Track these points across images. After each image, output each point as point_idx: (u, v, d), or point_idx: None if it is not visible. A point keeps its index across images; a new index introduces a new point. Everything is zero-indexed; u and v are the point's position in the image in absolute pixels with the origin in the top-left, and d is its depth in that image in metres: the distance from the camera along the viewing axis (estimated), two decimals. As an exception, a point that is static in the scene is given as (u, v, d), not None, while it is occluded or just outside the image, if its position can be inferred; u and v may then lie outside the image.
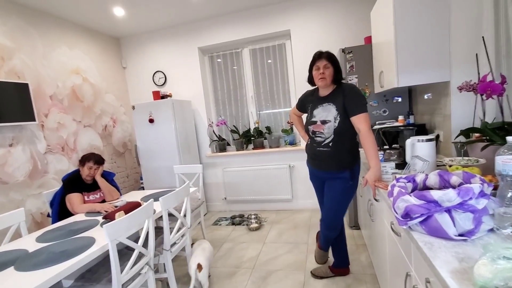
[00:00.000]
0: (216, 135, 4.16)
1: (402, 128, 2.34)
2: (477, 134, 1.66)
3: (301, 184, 3.86)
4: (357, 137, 1.88)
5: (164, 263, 2.07)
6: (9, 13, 2.79)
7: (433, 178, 1.23)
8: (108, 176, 2.59)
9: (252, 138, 3.99)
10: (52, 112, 3.11)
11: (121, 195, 2.66)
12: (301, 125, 2.31)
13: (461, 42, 1.92)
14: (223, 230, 3.47)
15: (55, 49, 3.25)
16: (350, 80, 2.97)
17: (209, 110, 4.21)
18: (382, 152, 1.92)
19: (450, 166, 1.52)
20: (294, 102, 3.91)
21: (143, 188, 3.94)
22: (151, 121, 3.62)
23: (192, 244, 2.43)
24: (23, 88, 2.71)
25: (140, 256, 1.75)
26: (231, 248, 2.98)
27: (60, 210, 2.35)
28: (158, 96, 3.79)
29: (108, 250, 1.48)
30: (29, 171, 2.83)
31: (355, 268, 2.38)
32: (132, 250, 1.67)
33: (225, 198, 4.14)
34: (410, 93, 2.87)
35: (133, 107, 3.68)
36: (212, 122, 4.18)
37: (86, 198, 2.40)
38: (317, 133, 1.92)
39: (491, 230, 0.96)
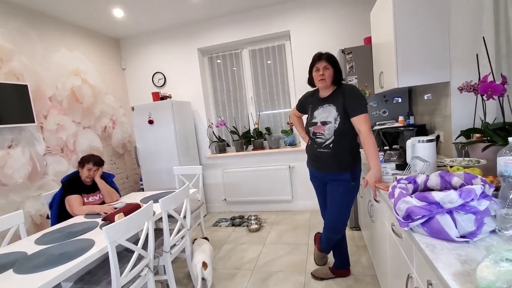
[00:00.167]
0: (216, 136, 4.16)
1: (402, 128, 2.33)
2: (477, 135, 1.65)
3: (301, 185, 3.86)
4: (357, 138, 1.87)
5: (164, 265, 2.06)
6: (8, 15, 2.79)
7: (434, 179, 1.23)
8: (107, 178, 2.58)
9: (252, 139, 3.99)
10: (51, 114, 3.11)
11: (120, 196, 2.65)
12: (301, 126, 2.30)
13: (461, 43, 1.91)
14: (223, 231, 3.47)
15: (54, 51, 3.25)
16: (350, 81, 2.97)
17: (208, 111, 4.21)
18: (382, 153, 1.92)
19: (451, 167, 1.51)
20: (293, 103, 3.90)
21: (142, 190, 3.93)
22: (151, 122, 3.61)
23: (193, 241, 2.43)
24: (22, 90, 2.70)
25: (140, 258, 1.74)
26: (231, 249, 2.97)
27: (59, 212, 2.34)
28: (157, 97, 3.78)
29: (107, 252, 1.47)
30: (28, 173, 2.82)
31: (356, 269, 2.37)
32: (132, 252, 1.67)
33: (225, 199, 4.13)
34: (410, 93, 2.86)
35: (133, 108, 3.67)
36: (212, 123, 4.18)
37: (85, 200, 2.39)
38: (317, 134, 1.91)
39: (493, 231, 0.95)
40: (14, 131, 2.73)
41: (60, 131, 3.19)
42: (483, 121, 1.67)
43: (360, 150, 1.97)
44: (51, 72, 3.15)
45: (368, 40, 2.97)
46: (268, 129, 3.96)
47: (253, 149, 3.97)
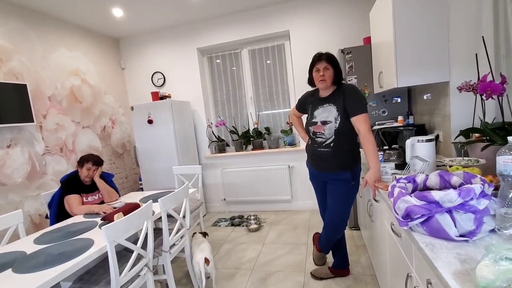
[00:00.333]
0: (215, 136, 4.15)
1: (401, 128, 2.34)
2: (477, 134, 1.65)
3: (300, 185, 3.86)
4: (357, 138, 1.87)
5: (163, 265, 2.06)
6: (8, 14, 2.79)
7: (433, 179, 1.23)
8: (107, 177, 2.58)
9: (251, 139, 3.98)
10: (50, 113, 3.10)
11: (120, 196, 2.64)
12: (300, 125, 2.30)
13: (460, 42, 1.92)
14: (223, 231, 3.46)
15: (54, 50, 3.24)
16: (349, 81, 2.97)
17: (208, 111, 4.21)
18: (381, 153, 1.92)
19: (450, 166, 1.51)
20: (293, 102, 3.90)
21: (142, 189, 3.93)
22: (150, 122, 3.61)
23: (192, 235, 2.43)
24: (21, 89, 2.70)
25: (139, 257, 1.74)
26: (230, 249, 2.97)
27: (58, 211, 2.34)
28: (157, 97, 3.78)
29: (106, 252, 1.47)
30: (27, 173, 2.81)
31: (355, 269, 2.37)
32: (131, 251, 1.67)
33: (224, 199, 4.13)
34: (409, 93, 2.87)
35: (132, 108, 3.67)
36: (211, 123, 4.18)
37: (84, 200, 2.38)
38: (317, 133, 1.91)
39: (493, 230, 0.96)
40: (13, 130, 2.72)
41: (59, 131, 3.19)
42: (482, 121, 1.67)
43: (360, 149, 1.97)
44: (50, 71, 3.15)
45: (367, 40, 2.98)
46: (267, 129, 3.96)
47: (252, 149, 3.97)
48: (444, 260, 0.83)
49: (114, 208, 2.17)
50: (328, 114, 1.87)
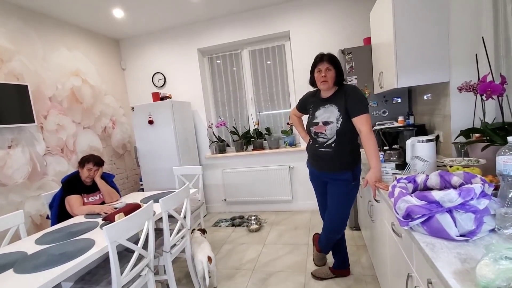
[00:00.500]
0: (216, 136, 4.16)
1: (402, 128, 2.34)
2: (477, 135, 1.66)
3: (301, 185, 3.86)
4: (358, 138, 1.88)
5: (164, 265, 2.06)
6: (8, 15, 2.79)
7: (434, 179, 1.23)
8: (107, 178, 2.59)
9: (251, 139, 3.99)
10: (51, 114, 3.11)
11: (120, 196, 2.65)
12: (301, 126, 2.30)
13: (460, 43, 1.92)
14: (223, 232, 3.47)
15: (54, 51, 3.25)
16: (349, 81, 2.97)
17: (208, 111, 4.21)
18: (382, 153, 1.92)
19: (450, 166, 1.51)
20: (293, 103, 3.91)
21: (142, 190, 3.94)
22: (151, 122, 3.62)
23: (192, 231, 2.44)
24: (22, 90, 2.70)
25: (140, 258, 1.74)
26: (231, 249, 2.97)
27: (59, 212, 2.34)
28: (157, 97, 3.79)
29: (107, 252, 1.48)
30: (28, 173, 2.82)
31: (356, 269, 2.38)
32: (132, 252, 1.67)
33: (225, 200, 4.13)
34: (410, 93, 2.87)
35: (133, 109, 3.68)
36: (212, 124, 4.18)
37: (85, 200, 2.39)
38: (319, 134, 1.92)
39: (493, 230, 0.96)
40: (14, 131, 2.73)
41: (60, 131, 3.19)
42: (483, 121, 1.67)
43: (360, 150, 1.97)
44: (51, 72, 3.16)
45: (367, 41, 2.98)
46: (268, 129, 3.96)
47: (253, 149, 3.97)
48: (445, 260, 0.83)
49: (115, 208, 2.17)
50: (329, 114, 1.87)
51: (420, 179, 1.28)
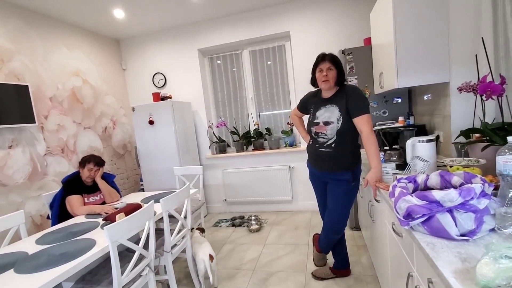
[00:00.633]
0: (216, 137, 4.16)
1: (402, 129, 2.34)
2: (477, 135, 1.66)
3: (301, 185, 3.86)
4: (358, 138, 1.88)
5: (164, 265, 2.06)
6: (9, 14, 2.80)
7: (434, 179, 1.23)
8: (108, 178, 2.59)
9: (252, 140, 3.99)
10: (52, 114, 3.11)
11: (121, 197, 2.65)
12: (302, 126, 2.31)
13: (460, 43, 1.93)
14: (223, 232, 3.47)
15: (55, 51, 3.26)
16: (350, 81, 2.98)
17: (209, 111, 4.22)
18: (382, 153, 1.92)
19: (451, 166, 1.52)
20: (294, 103, 3.91)
21: (143, 190, 3.94)
22: (151, 122, 3.62)
23: (191, 229, 2.45)
24: (23, 90, 2.71)
25: (141, 258, 1.74)
26: (231, 249, 2.98)
27: (60, 212, 2.35)
28: (158, 97, 3.79)
29: (108, 252, 1.48)
30: (28, 173, 2.82)
31: (356, 269, 2.38)
32: (132, 252, 1.67)
33: (225, 200, 4.13)
34: (410, 94, 2.87)
35: (133, 109, 3.68)
36: (212, 124, 4.18)
37: (86, 200, 2.39)
38: (319, 134, 1.92)
39: (493, 230, 0.96)
40: (14, 131, 2.73)
41: (60, 132, 3.20)
42: (482, 121, 1.68)
43: (361, 150, 1.98)
44: (51, 72, 3.16)
45: (368, 41, 2.99)
46: (268, 129, 3.96)
47: (253, 150, 3.97)
48: (445, 259, 0.84)
49: (116, 208, 2.17)
50: (330, 114, 1.87)
51: (420, 179, 1.28)
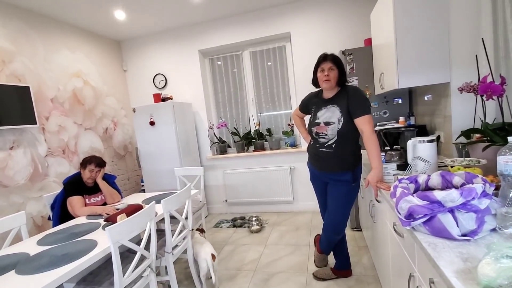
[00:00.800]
0: (217, 137, 4.17)
1: (403, 129, 2.34)
2: (478, 135, 1.67)
3: (302, 186, 3.86)
4: (359, 139, 1.88)
5: (165, 266, 2.06)
6: (10, 16, 2.81)
7: (435, 179, 1.24)
8: (109, 179, 2.59)
9: (252, 140, 3.99)
10: (53, 115, 3.12)
11: (122, 197, 2.66)
12: (303, 126, 2.31)
13: (460, 44, 1.93)
14: (224, 233, 3.47)
15: (56, 52, 3.26)
16: (350, 82, 2.98)
17: (209, 112, 4.22)
18: (383, 153, 1.93)
19: (452, 166, 1.52)
20: (294, 104, 3.92)
21: (144, 191, 3.94)
22: (152, 123, 3.63)
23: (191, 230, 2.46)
24: (24, 91, 2.71)
25: (142, 258, 1.75)
26: (232, 250, 2.98)
27: (61, 213, 2.35)
28: (158, 98, 3.79)
29: (110, 253, 1.48)
30: (30, 174, 2.82)
31: (357, 269, 2.38)
32: (134, 252, 1.67)
33: (226, 200, 4.13)
34: (410, 94, 2.88)
35: (134, 110, 3.68)
36: (213, 124, 4.19)
37: (87, 201, 2.39)
38: (320, 134, 1.92)
39: (494, 230, 0.96)
40: (15, 132, 2.74)
41: (61, 133, 3.20)
42: (483, 121, 1.68)
43: (362, 151, 1.98)
44: (52, 73, 3.17)
45: (368, 42, 2.99)
46: (269, 130, 3.97)
47: (254, 150, 3.97)
48: (447, 259, 0.84)
49: (117, 209, 2.18)
50: (331, 114, 1.88)
51: (421, 179, 1.29)
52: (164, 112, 3.58)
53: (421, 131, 2.39)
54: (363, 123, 1.78)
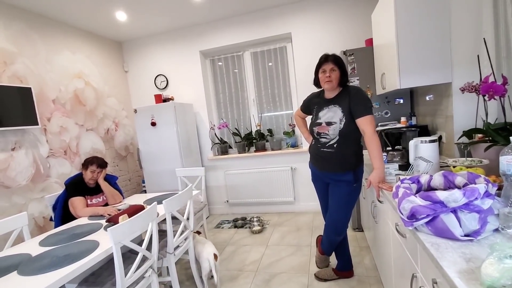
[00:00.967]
0: (218, 138, 4.17)
1: (404, 129, 2.34)
2: (480, 135, 1.66)
3: (303, 186, 3.86)
4: (361, 139, 1.88)
5: (167, 267, 2.06)
6: (12, 17, 2.82)
7: (437, 179, 1.23)
8: (111, 180, 2.59)
9: (254, 141, 3.99)
10: (54, 116, 3.12)
11: (123, 198, 2.66)
12: (305, 126, 2.31)
13: (462, 44, 1.93)
14: (226, 233, 3.47)
15: (57, 54, 3.27)
16: (352, 82, 2.98)
17: (210, 113, 4.22)
18: (385, 154, 1.92)
19: (454, 167, 1.52)
20: (295, 104, 3.92)
21: (145, 192, 3.94)
22: (153, 124, 3.63)
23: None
24: (26, 92, 2.72)
25: (144, 259, 1.75)
26: (233, 251, 2.97)
27: (63, 214, 2.35)
28: (160, 99, 3.80)
29: (111, 254, 1.48)
30: (31, 175, 2.82)
31: (359, 270, 2.37)
32: (135, 253, 1.68)
33: (227, 201, 4.13)
34: (412, 94, 2.87)
35: (135, 111, 3.69)
36: (214, 125, 4.19)
37: (89, 202, 2.40)
38: (322, 134, 1.92)
39: (496, 230, 0.96)
40: (17, 133, 2.74)
41: (63, 134, 3.21)
42: (485, 121, 1.68)
43: (364, 151, 1.97)
44: (54, 74, 3.17)
45: (369, 42, 2.99)
46: (270, 130, 3.97)
47: (255, 151, 3.97)
48: (450, 260, 0.84)
49: (119, 210, 2.18)
50: (333, 115, 1.88)
51: (423, 179, 1.28)
52: (165, 112, 3.59)
53: (423, 131, 2.38)
54: (364, 123, 1.78)
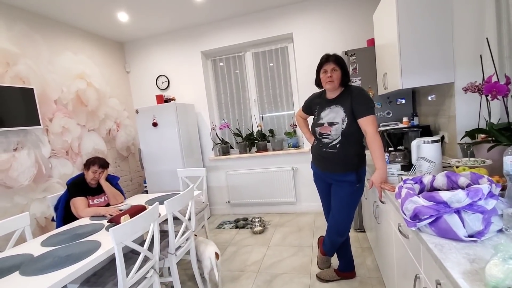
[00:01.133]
0: (219, 138, 4.17)
1: (406, 129, 2.33)
2: (482, 135, 1.65)
3: (304, 187, 3.85)
4: (363, 140, 1.87)
5: (169, 267, 2.06)
6: (14, 18, 2.83)
7: (440, 179, 1.23)
8: (112, 180, 2.60)
9: (255, 141, 3.99)
10: (56, 117, 3.13)
11: (125, 198, 2.66)
12: (306, 127, 2.30)
13: (464, 44, 1.92)
14: (227, 234, 3.46)
15: (59, 54, 3.28)
16: (353, 82, 2.97)
17: (212, 113, 4.22)
18: (387, 154, 1.92)
19: (457, 167, 1.51)
20: (297, 105, 3.91)
21: (146, 192, 3.95)
22: (155, 124, 3.63)
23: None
24: (28, 93, 2.73)
25: (145, 259, 1.74)
26: (235, 251, 2.97)
27: (64, 214, 2.36)
28: (161, 100, 3.81)
29: (113, 254, 1.48)
30: (33, 175, 2.84)
31: (361, 271, 2.36)
32: (137, 253, 1.67)
33: (229, 202, 4.13)
34: (414, 94, 2.86)
35: (137, 111, 3.69)
36: (215, 126, 4.19)
37: (90, 202, 2.40)
38: (324, 134, 1.91)
39: (500, 230, 0.96)
40: (19, 134, 2.75)
41: (65, 134, 3.22)
42: (488, 122, 1.67)
43: (366, 152, 1.97)
44: (56, 75, 3.18)
45: (371, 42, 2.98)
46: (271, 131, 3.97)
47: (256, 151, 3.97)
48: (453, 260, 0.83)
49: (120, 210, 2.18)
50: (335, 115, 1.87)
51: (426, 180, 1.28)
52: (167, 113, 3.59)
53: (425, 131, 2.37)
54: (366, 124, 1.77)
